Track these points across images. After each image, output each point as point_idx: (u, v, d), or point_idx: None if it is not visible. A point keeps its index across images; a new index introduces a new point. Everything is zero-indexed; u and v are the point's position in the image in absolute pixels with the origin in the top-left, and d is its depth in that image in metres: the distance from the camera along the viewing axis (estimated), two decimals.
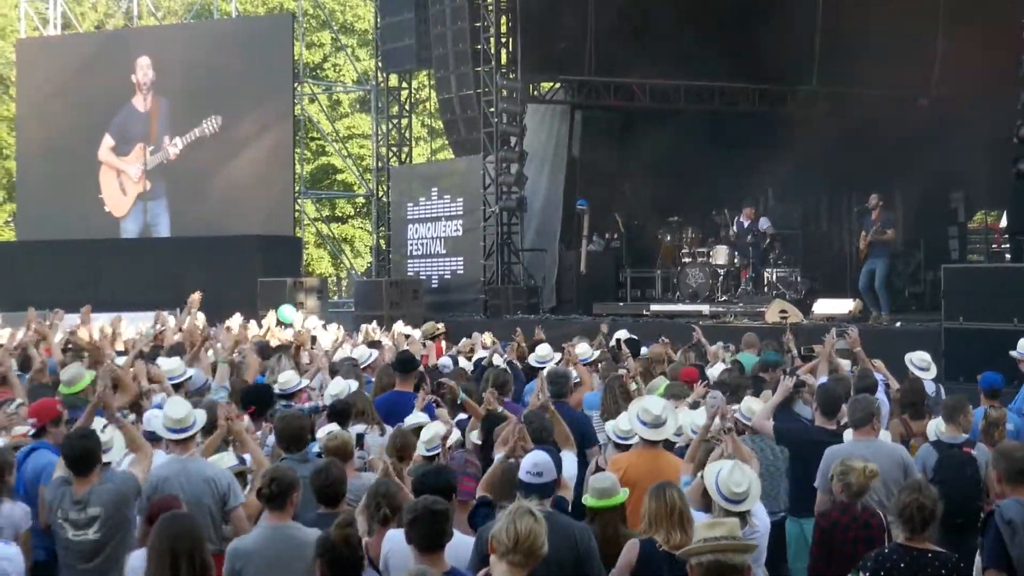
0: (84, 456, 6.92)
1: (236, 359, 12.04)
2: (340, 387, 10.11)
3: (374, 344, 14.57)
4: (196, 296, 15.75)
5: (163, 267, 29.39)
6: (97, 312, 17.01)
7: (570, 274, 24.96)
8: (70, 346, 13.49)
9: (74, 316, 16.66)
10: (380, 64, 31.54)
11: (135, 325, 17.90)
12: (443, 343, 16.44)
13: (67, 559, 6.92)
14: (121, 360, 11.15)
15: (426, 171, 30.71)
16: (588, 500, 6.76)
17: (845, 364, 11.44)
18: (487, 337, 15.61)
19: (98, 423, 7.64)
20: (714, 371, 11.71)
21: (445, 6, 26.07)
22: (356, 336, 17.31)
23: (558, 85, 26.40)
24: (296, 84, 32.96)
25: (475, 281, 25.33)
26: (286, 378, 10.62)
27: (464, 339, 16.08)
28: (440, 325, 17.19)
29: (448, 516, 5.64)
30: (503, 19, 24.68)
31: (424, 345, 14.98)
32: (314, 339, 15.73)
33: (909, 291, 22.80)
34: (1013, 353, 11.59)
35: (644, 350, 13.73)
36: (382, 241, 31.24)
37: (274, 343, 14.24)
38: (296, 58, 33.17)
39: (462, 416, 9.29)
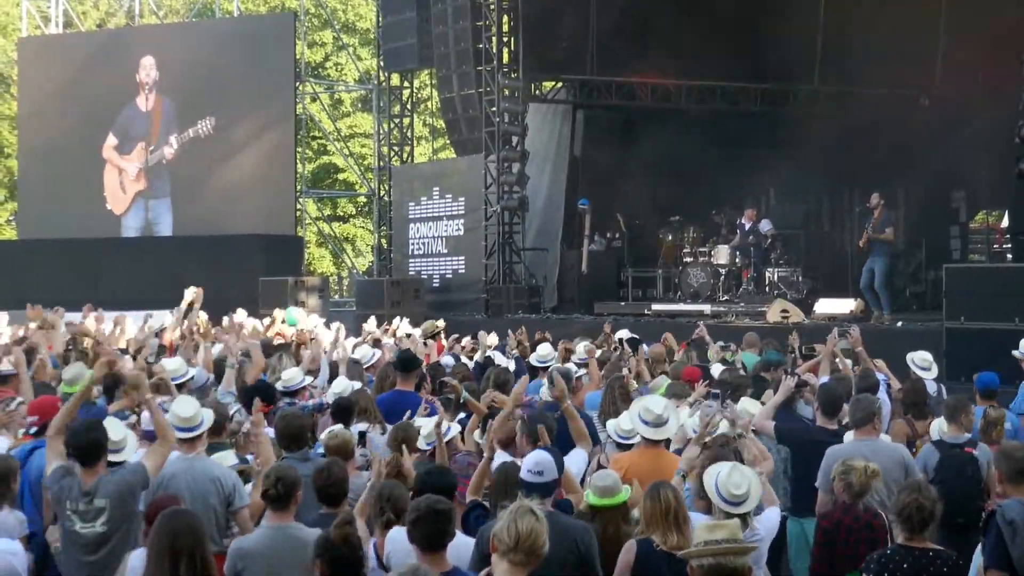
0: (91, 447, 6.89)
1: (241, 360, 12.00)
2: (343, 385, 10.11)
3: (375, 343, 14.57)
4: (195, 290, 15.77)
5: (164, 266, 29.36)
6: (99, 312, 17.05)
7: (571, 274, 24.95)
8: (70, 347, 13.48)
9: (75, 315, 16.67)
10: (382, 63, 31.55)
11: (136, 324, 17.88)
12: (443, 341, 16.40)
13: (71, 550, 6.87)
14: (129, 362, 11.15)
15: (428, 170, 30.73)
16: (590, 498, 6.76)
17: (846, 363, 11.44)
18: (492, 337, 15.61)
19: (111, 422, 7.63)
20: (714, 370, 11.71)
21: (447, 5, 26.07)
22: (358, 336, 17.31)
23: (560, 84, 26.38)
24: (298, 83, 32.95)
25: (476, 280, 25.32)
26: (290, 375, 10.63)
27: (466, 339, 16.05)
28: (440, 323, 17.14)
29: (451, 516, 5.64)
30: (505, 18, 24.67)
31: (425, 344, 14.96)
32: (315, 340, 15.70)
33: (910, 291, 22.80)
34: (1015, 353, 11.60)
35: (645, 349, 13.73)
36: (383, 240, 31.25)
37: (276, 341, 14.24)
38: (298, 57, 33.17)
39: (463, 416, 9.28)
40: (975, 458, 8.30)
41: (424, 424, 8.32)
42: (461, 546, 6.01)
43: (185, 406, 7.74)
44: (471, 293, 25.54)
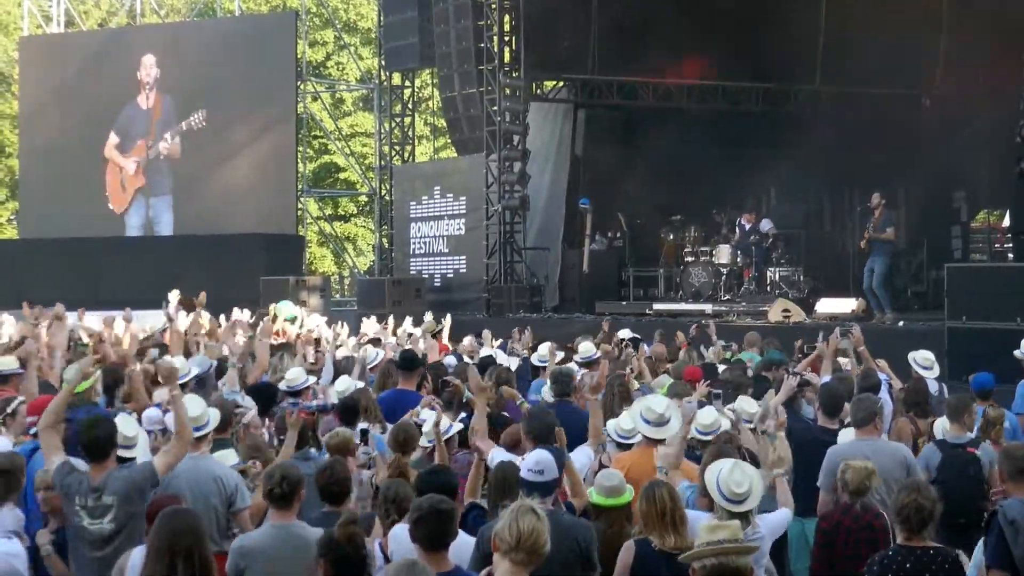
0: (100, 442, 6.86)
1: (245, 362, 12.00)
2: (346, 385, 10.11)
3: (376, 343, 14.57)
4: (177, 294, 15.80)
5: (165, 265, 29.35)
6: (98, 311, 17.05)
7: (573, 273, 24.95)
8: (71, 343, 13.48)
9: (73, 314, 16.66)
10: (383, 62, 31.57)
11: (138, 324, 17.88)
12: (444, 339, 16.39)
13: (78, 546, 6.81)
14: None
15: (429, 170, 30.74)
16: (595, 498, 6.76)
17: (845, 362, 11.45)
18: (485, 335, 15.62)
19: (123, 419, 7.62)
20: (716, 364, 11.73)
21: (448, 4, 26.07)
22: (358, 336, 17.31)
23: (561, 84, 26.38)
24: (299, 82, 32.98)
25: (478, 280, 25.33)
26: (293, 375, 10.62)
27: (467, 338, 16.05)
28: (446, 320, 17.14)
29: (453, 516, 5.63)
30: (506, 17, 24.67)
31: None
32: (318, 341, 15.71)
33: (912, 290, 22.77)
34: (1016, 353, 11.59)
35: (646, 348, 13.73)
36: (385, 240, 31.26)
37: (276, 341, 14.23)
38: (299, 56, 33.18)
39: (465, 415, 9.28)
40: (977, 458, 8.30)
41: (427, 419, 8.31)
42: (462, 546, 6.01)
43: (192, 405, 7.71)
44: (472, 292, 25.55)
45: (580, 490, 7.09)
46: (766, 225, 22.51)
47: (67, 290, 25.31)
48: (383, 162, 31.92)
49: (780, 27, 23.92)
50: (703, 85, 25.65)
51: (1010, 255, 24.48)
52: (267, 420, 9.54)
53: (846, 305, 19.89)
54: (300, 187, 33.81)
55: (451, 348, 15.35)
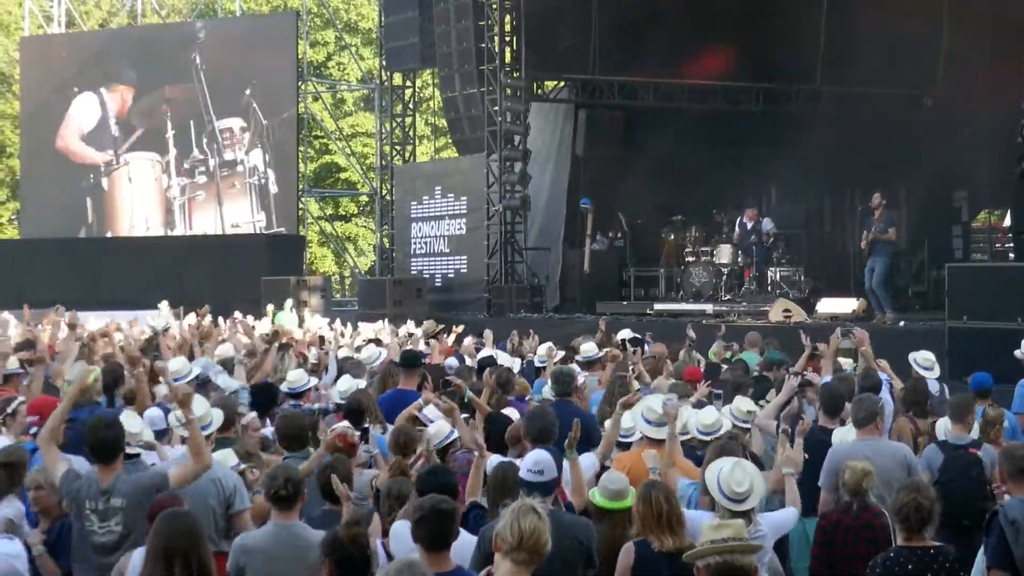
0: (108, 444, 6.83)
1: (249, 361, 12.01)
2: (348, 385, 10.12)
3: (378, 343, 14.58)
4: (166, 302, 15.90)
5: (166, 265, 29.42)
6: (100, 311, 17.10)
7: (573, 273, 24.94)
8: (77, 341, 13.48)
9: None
10: (384, 62, 31.57)
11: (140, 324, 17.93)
12: (445, 341, 16.38)
13: (84, 552, 6.77)
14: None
15: (430, 170, 30.75)
16: (599, 500, 6.75)
17: (847, 363, 11.45)
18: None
19: (128, 416, 7.61)
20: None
21: (449, 4, 26.06)
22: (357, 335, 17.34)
23: (562, 84, 26.36)
24: (300, 82, 32.99)
25: (478, 280, 25.33)
26: (295, 377, 10.63)
27: (468, 338, 16.06)
28: (457, 330, 17.12)
29: (455, 516, 5.63)
30: (507, 17, 24.65)
31: (427, 344, 14.97)
32: (322, 339, 15.73)
33: (913, 290, 22.77)
34: (1017, 353, 11.59)
35: (647, 349, 13.74)
36: (386, 240, 31.26)
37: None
38: (300, 57, 33.19)
39: (466, 415, 9.28)
40: (979, 459, 8.29)
41: (431, 427, 8.30)
42: (463, 545, 6.01)
43: (196, 406, 7.70)
44: (473, 292, 25.55)
45: (582, 489, 7.10)
46: (767, 224, 22.50)
47: (67, 290, 25.41)
48: (384, 162, 31.93)
49: (781, 27, 23.91)
50: (704, 85, 25.63)
51: (1011, 255, 24.51)
52: (268, 420, 9.54)
53: (847, 305, 19.88)
54: (301, 187, 33.83)
55: (455, 350, 15.34)
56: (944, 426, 8.79)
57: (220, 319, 17.87)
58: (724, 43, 24.59)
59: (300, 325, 18.43)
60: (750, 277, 22.27)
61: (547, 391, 10.21)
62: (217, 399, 8.81)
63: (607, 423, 8.79)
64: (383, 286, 25.92)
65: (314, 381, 10.98)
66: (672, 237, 23.89)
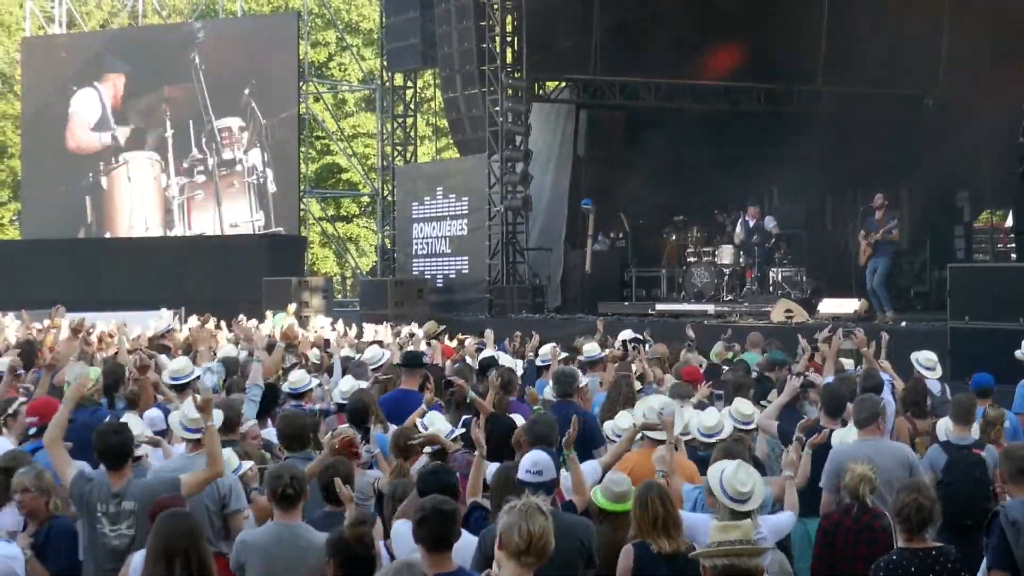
0: (118, 449, 6.83)
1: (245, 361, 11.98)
2: (349, 385, 10.11)
3: (380, 344, 14.58)
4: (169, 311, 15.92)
5: (166, 266, 29.43)
6: (100, 311, 17.12)
7: (575, 273, 24.94)
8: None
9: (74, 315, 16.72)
10: (385, 63, 31.56)
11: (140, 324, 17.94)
12: (447, 342, 16.37)
13: (95, 557, 6.74)
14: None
15: (431, 170, 30.75)
16: (601, 501, 6.74)
17: (848, 363, 11.46)
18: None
19: (129, 418, 7.59)
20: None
21: (450, 5, 26.07)
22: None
23: (563, 84, 26.37)
24: (301, 83, 33.00)
25: (480, 280, 25.33)
26: (297, 377, 10.62)
27: (469, 339, 16.05)
28: (469, 342, 17.11)
29: (456, 516, 5.61)
30: (508, 18, 24.66)
31: (428, 345, 14.95)
32: (327, 342, 15.72)
33: (914, 290, 22.77)
34: (1017, 353, 11.59)
35: (647, 349, 13.73)
36: (387, 240, 31.27)
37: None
38: (301, 57, 33.20)
39: (468, 416, 9.27)
40: (983, 460, 8.27)
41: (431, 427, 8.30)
42: (464, 546, 6.00)
43: (192, 408, 7.69)
44: (474, 293, 25.55)
45: (583, 488, 7.09)
46: (770, 223, 22.46)
47: (67, 290, 25.39)
48: (385, 163, 31.91)
49: (782, 27, 23.90)
50: (705, 85, 25.62)
51: (1013, 255, 24.51)
52: (269, 420, 9.54)
53: (848, 306, 19.86)
54: (302, 188, 33.84)
55: (456, 351, 15.33)
56: (945, 426, 8.78)
57: (222, 323, 17.88)
58: (725, 43, 24.59)
59: (302, 327, 18.42)
60: (752, 278, 22.25)
61: (548, 392, 10.20)
62: (221, 401, 8.79)
63: (607, 425, 8.77)
64: (384, 287, 25.93)
65: (315, 381, 10.97)
66: (674, 237, 23.88)
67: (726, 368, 12.78)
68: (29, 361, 11.58)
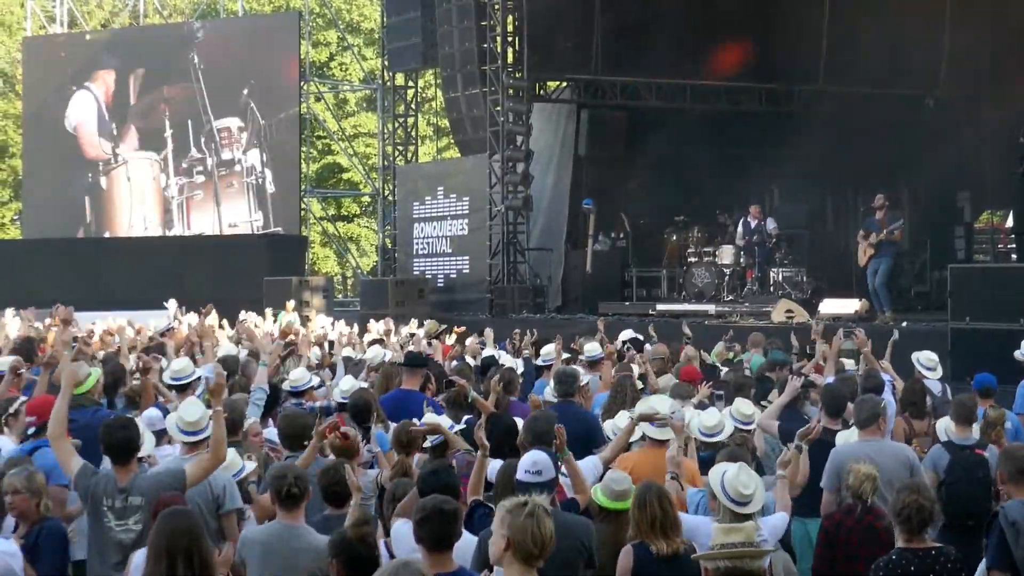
0: (125, 444, 6.84)
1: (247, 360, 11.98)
2: (349, 384, 10.11)
3: (381, 343, 14.58)
4: (174, 301, 15.89)
5: (166, 265, 29.41)
6: (101, 311, 17.12)
7: (576, 273, 24.94)
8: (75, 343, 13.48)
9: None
10: (386, 63, 31.55)
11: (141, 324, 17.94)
12: (447, 342, 16.37)
13: (101, 552, 6.76)
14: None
15: (432, 170, 30.73)
16: (602, 500, 6.73)
17: (849, 363, 11.45)
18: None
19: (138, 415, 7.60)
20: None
21: (451, 5, 26.07)
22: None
23: (564, 84, 26.37)
24: (302, 83, 33.00)
25: (481, 280, 25.33)
26: (297, 376, 10.61)
27: (470, 339, 16.05)
28: (462, 328, 17.13)
29: (458, 516, 5.60)
30: (509, 18, 24.65)
31: (429, 344, 14.95)
32: (331, 343, 15.72)
33: (915, 291, 22.77)
34: (1017, 354, 11.59)
35: (648, 348, 13.72)
36: (388, 240, 31.26)
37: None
38: (302, 57, 33.20)
39: (470, 416, 9.27)
40: (985, 460, 8.25)
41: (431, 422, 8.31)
42: (463, 546, 5.99)
43: (191, 410, 7.65)
44: (475, 293, 25.55)
45: (583, 487, 7.08)
46: (771, 224, 22.46)
47: (68, 290, 25.38)
48: (386, 162, 31.91)
49: (783, 27, 23.92)
50: (706, 85, 25.62)
51: (1014, 255, 24.50)
52: (270, 420, 9.54)
53: (849, 306, 19.85)
54: (303, 187, 33.85)
55: (456, 350, 15.32)
56: (945, 426, 8.77)
57: (225, 321, 17.87)
58: (727, 43, 24.59)
59: (303, 325, 18.42)
60: (752, 278, 22.24)
61: (549, 392, 10.19)
62: (226, 402, 8.78)
63: (607, 425, 8.76)
64: (385, 286, 25.92)
65: (316, 380, 10.96)
66: (674, 237, 23.88)
67: (726, 368, 12.78)
68: (28, 359, 11.56)
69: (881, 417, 8.17)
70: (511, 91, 24.00)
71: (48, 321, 16.00)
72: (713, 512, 6.56)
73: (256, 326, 16.94)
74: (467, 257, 26.37)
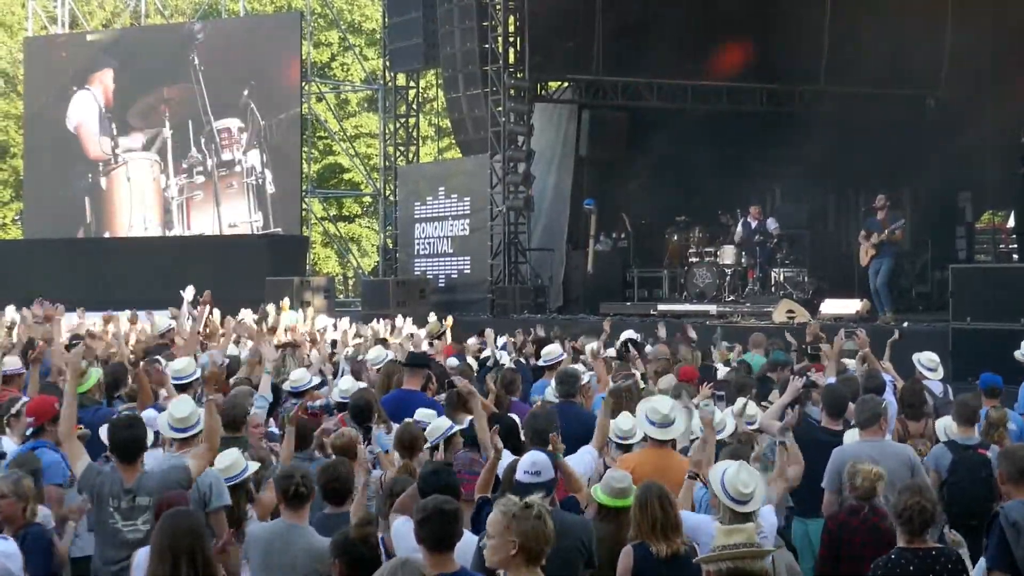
0: (132, 443, 6.84)
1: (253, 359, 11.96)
2: (349, 384, 10.10)
3: (383, 343, 14.56)
4: (192, 289, 15.85)
5: (167, 266, 29.39)
6: (101, 311, 17.10)
7: (577, 274, 24.94)
8: (75, 342, 13.47)
9: (73, 315, 16.71)
10: (388, 63, 31.56)
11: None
12: (448, 341, 16.35)
13: (107, 551, 6.74)
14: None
15: (433, 170, 30.75)
16: (602, 498, 6.73)
17: (851, 363, 11.44)
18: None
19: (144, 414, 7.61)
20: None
21: (453, 5, 26.08)
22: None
23: (566, 84, 26.37)
24: (304, 83, 33.00)
25: (482, 280, 25.34)
26: (298, 376, 10.61)
27: (471, 339, 16.05)
28: (448, 319, 17.12)
29: (459, 516, 5.58)
30: (511, 18, 24.65)
31: (431, 344, 14.95)
32: (333, 342, 15.70)
33: (916, 291, 22.76)
34: (1017, 354, 11.59)
35: (648, 348, 13.71)
36: (389, 240, 31.27)
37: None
38: (304, 57, 33.21)
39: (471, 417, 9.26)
40: (988, 460, 8.24)
41: (432, 425, 8.29)
42: (464, 546, 5.99)
43: (181, 406, 7.59)
44: (476, 293, 25.55)
45: (579, 485, 7.08)
46: (772, 225, 22.44)
47: (69, 290, 25.35)
48: (387, 163, 31.93)
49: (785, 28, 23.92)
50: (708, 86, 25.61)
51: (1015, 256, 24.50)
52: (271, 420, 9.54)
53: (850, 306, 19.85)
54: (305, 188, 33.84)
55: (456, 350, 15.31)
56: (946, 426, 8.76)
57: (228, 317, 17.85)
58: (728, 44, 24.58)
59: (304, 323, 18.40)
60: (754, 278, 22.24)
61: (550, 392, 10.18)
62: (226, 399, 8.78)
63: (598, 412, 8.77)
64: (386, 287, 25.93)
65: (317, 379, 10.96)
66: (676, 238, 23.88)
67: (725, 369, 12.77)
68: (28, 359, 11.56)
69: (882, 417, 8.16)
70: (512, 91, 24.01)
71: (30, 316, 15.88)
72: (714, 510, 6.56)
73: (264, 319, 16.95)
74: (468, 257, 26.38)
